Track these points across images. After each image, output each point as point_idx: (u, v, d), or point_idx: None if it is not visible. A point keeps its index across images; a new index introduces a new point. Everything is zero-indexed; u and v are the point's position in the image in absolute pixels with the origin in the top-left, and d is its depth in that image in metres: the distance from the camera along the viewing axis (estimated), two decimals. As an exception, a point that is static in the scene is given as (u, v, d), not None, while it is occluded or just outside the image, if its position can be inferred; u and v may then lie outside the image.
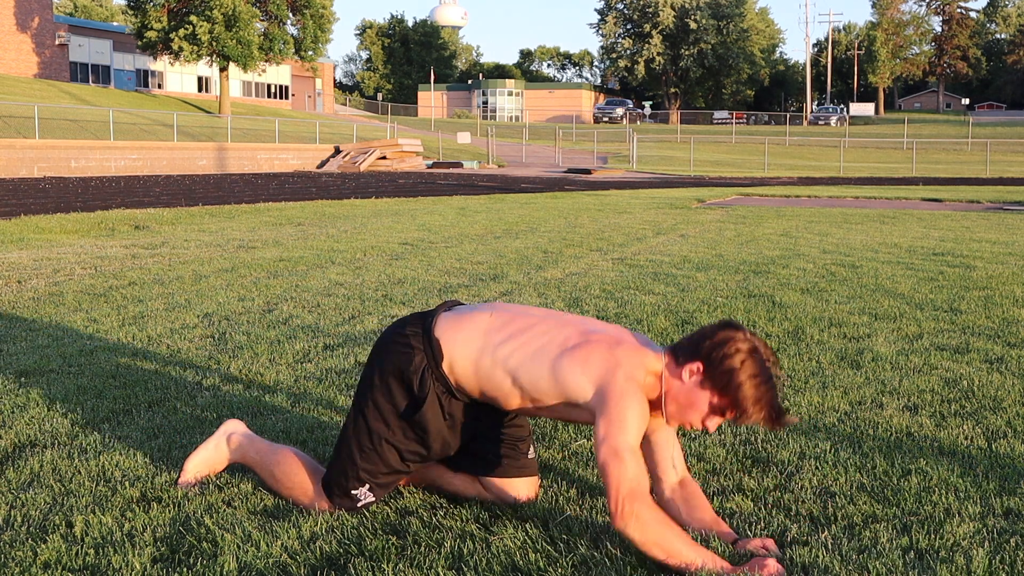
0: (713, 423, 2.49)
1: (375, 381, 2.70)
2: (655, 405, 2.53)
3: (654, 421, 2.61)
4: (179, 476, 2.97)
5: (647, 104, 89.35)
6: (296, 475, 2.81)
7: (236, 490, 2.91)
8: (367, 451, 2.68)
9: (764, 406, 2.41)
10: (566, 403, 2.55)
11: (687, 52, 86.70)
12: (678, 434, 2.97)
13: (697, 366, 2.46)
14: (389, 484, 2.74)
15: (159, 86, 61.54)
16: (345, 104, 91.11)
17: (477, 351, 2.61)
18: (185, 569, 2.37)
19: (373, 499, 2.72)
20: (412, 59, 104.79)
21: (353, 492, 2.71)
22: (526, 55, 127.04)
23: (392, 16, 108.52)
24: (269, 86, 68.97)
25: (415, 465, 2.74)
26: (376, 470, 2.69)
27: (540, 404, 2.60)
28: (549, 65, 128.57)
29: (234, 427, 3.06)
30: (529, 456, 2.84)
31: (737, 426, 2.60)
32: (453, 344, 2.64)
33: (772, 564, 2.32)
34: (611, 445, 2.37)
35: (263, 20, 50.96)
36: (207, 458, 3.00)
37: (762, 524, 2.65)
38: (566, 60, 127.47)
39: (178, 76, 61.88)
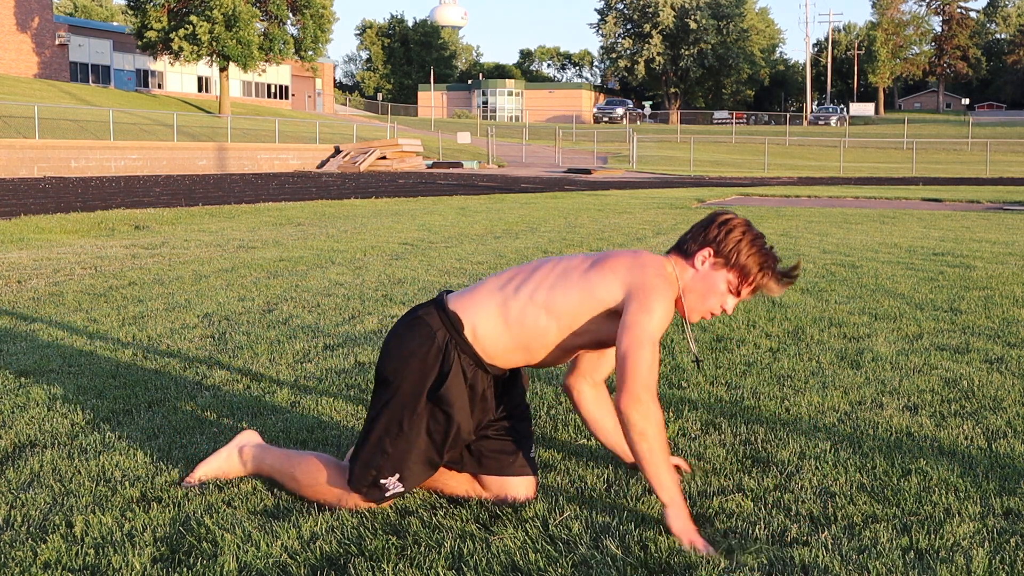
0: (731, 303, 2.70)
1: (397, 368, 2.68)
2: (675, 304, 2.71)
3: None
4: (186, 475, 2.97)
5: (647, 104, 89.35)
6: (318, 473, 2.77)
7: (236, 490, 2.91)
8: (395, 438, 2.65)
9: (770, 267, 2.67)
10: (603, 314, 2.64)
11: (687, 52, 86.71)
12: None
13: (708, 251, 2.68)
14: (419, 475, 2.69)
15: (159, 86, 61.54)
16: (345, 104, 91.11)
17: (499, 304, 2.69)
18: (185, 569, 2.37)
19: (402, 489, 2.69)
20: (412, 59, 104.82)
21: (382, 482, 2.67)
22: (526, 55, 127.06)
23: (392, 16, 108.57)
24: (269, 86, 68.98)
25: (445, 453, 2.70)
26: (406, 458, 2.66)
27: (575, 328, 2.66)
28: (549, 65, 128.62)
29: (247, 438, 3.00)
30: (530, 455, 2.84)
31: (752, 295, 2.72)
32: (471, 309, 2.70)
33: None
34: (635, 334, 2.51)
35: (263, 20, 50.97)
36: (219, 467, 2.97)
37: (762, 524, 2.65)
38: (566, 60, 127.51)
39: (178, 76, 61.89)
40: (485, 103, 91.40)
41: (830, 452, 3.28)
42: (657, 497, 2.59)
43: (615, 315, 2.63)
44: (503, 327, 2.67)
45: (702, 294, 2.68)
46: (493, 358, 2.70)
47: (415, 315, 2.74)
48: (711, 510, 2.76)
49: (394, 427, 2.66)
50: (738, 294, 2.69)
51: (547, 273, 2.71)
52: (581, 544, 2.50)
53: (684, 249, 2.72)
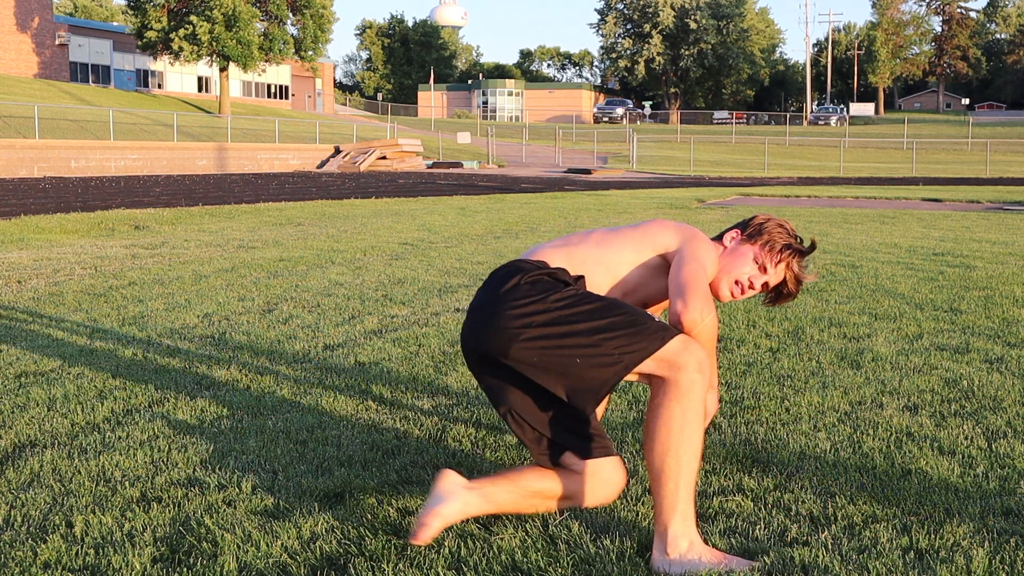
0: (759, 279, 2.79)
1: (531, 299, 2.47)
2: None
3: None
4: (417, 533, 2.42)
5: (647, 104, 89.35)
6: (547, 473, 2.52)
7: (236, 490, 2.91)
8: (591, 349, 2.42)
9: (796, 247, 2.80)
10: (655, 266, 2.69)
11: (687, 52, 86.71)
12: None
13: (735, 231, 2.85)
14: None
15: (159, 86, 61.54)
16: (345, 104, 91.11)
17: (566, 252, 2.72)
18: (185, 569, 2.37)
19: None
20: (412, 59, 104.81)
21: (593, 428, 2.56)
22: (526, 55, 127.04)
23: (392, 16, 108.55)
24: (269, 86, 68.97)
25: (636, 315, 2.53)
26: (612, 353, 2.45)
27: (625, 276, 2.69)
28: (549, 65, 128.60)
29: (453, 479, 2.49)
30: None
31: (776, 284, 2.82)
32: (548, 257, 2.71)
33: None
34: (691, 262, 2.59)
35: (263, 20, 50.97)
36: (461, 511, 2.45)
37: (762, 524, 2.65)
38: (566, 60, 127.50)
39: (178, 76, 61.88)
40: (485, 103, 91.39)
41: (830, 452, 3.28)
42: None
43: (663, 272, 2.69)
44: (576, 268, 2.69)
45: (730, 268, 2.78)
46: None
47: (510, 268, 2.59)
48: (711, 510, 2.76)
49: (583, 339, 2.43)
50: (764, 270, 2.78)
51: (604, 232, 2.82)
52: (581, 544, 2.50)
53: (716, 237, 2.89)
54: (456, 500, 2.42)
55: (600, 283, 2.68)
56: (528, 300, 2.46)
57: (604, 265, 2.69)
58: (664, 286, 2.70)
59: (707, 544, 2.47)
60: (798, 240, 2.85)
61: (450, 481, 2.46)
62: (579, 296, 2.49)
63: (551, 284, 2.53)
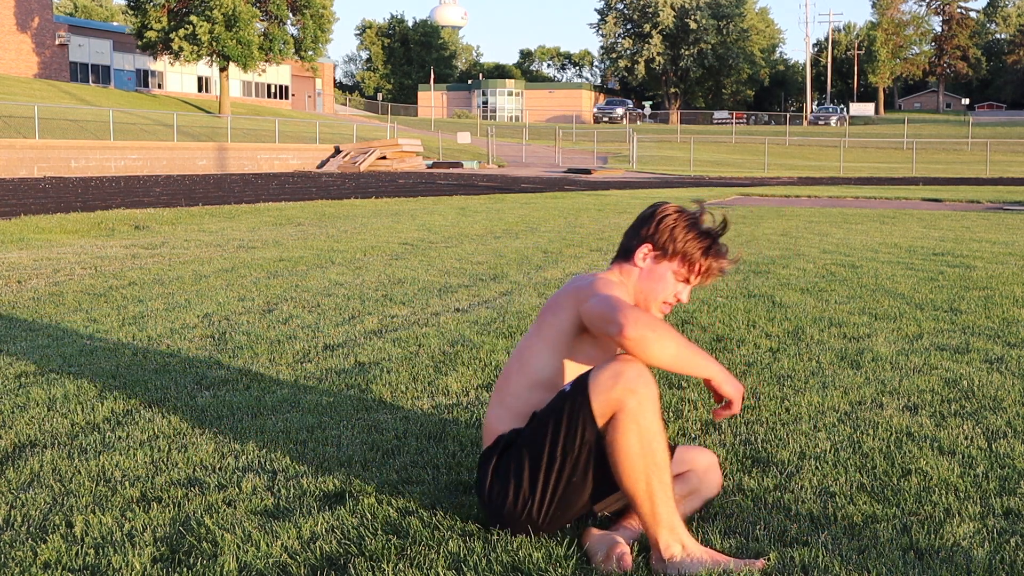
0: (684, 292, 2.68)
1: (513, 488, 2.55)
2: None
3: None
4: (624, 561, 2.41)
5: (647, 104, 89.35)
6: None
7: (236, 490, 2.91)
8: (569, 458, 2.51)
9: (714, 248, 2.64)
10: (577, 337, 2.58)
11: (687, 52, 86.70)
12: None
13: (647, 247, 2.67)
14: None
15: (159, 86, 61.54)
16: (345, 104, 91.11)
17: (505, 408, 2.68)
18: (185, 569, 2.37)
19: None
20: (412, 59, 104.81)
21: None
22: (526, 55, 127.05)
23: (392, 16, 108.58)
24: (269, 86, 68.98)
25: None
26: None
27: (567, 367, 2.60)
28: (549, 65, 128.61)
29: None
30: None
31: (704, 283, 2.69)
32: (497, 424, 2.69)
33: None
34: (596, 297, 2.49)
35: (263, 20, 50.97)
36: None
37: (762, 524, 2.65)
38: (566, 60, 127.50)
39: (178, 76, 61.88)
40: (485, 103, 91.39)
41: (830, 452, 3.28)
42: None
43: (588, 341, 2.58)
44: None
45: (652, 289, 2.66)
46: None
47: (481, 471, 2.65)
48: (711, 510, 2.76)
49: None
50: (688, 282, 2.67)
51: (517, 351, 2.69)
52: (582, 544, 2.49)
53: (624, 252, 2.70)
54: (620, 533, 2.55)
55: (544, 399, 2.59)
56: (512, 491, 2.50)
57: (538, 387, 2.60)
58: (598, 350, 2.60)
59: (705, 545, 2.47)
60: (710, 233, 2.66)
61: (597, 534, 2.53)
62: (536, 454, 2.48)
63: (516, 461, 2.52)
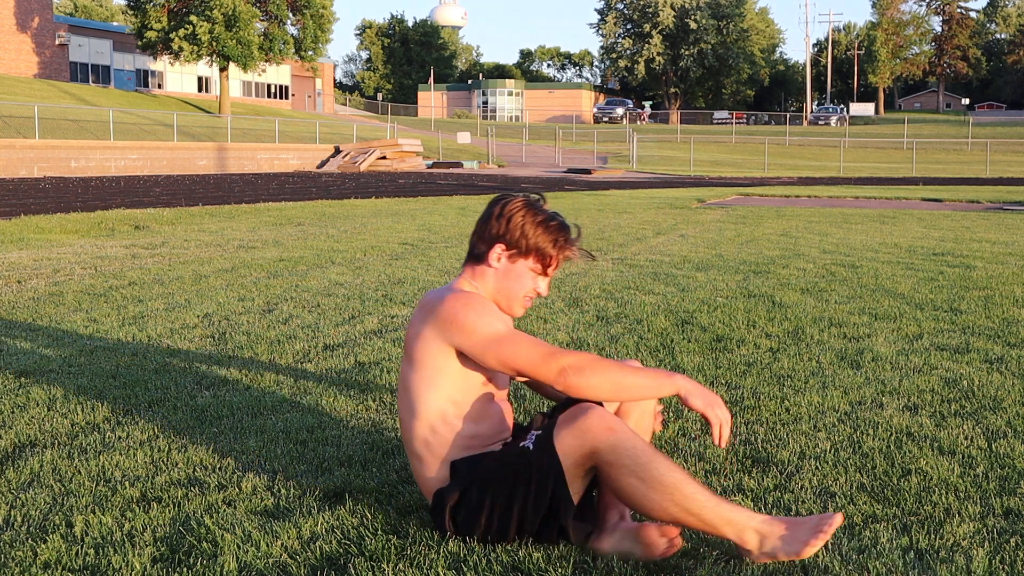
0: (543, 284, 2.65)
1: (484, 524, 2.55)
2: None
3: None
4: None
5: (647, 104, 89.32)
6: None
7: (236, 490, 2.91)
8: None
9: (564, 239, 2.61)
10: (459, 362, 2.54)
11: (687, 52, 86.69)
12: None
13: (499, 247, 2.61)
14: None
15: (159, 86, 61.54)
16: (345, 104, 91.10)
17: (420, 443, 2.64)
18: (185, 569, 2.37)
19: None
20: (412, 59, 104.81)
21: None
22: (526, 55, 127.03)
23: (392, 16, 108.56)
24: (269, 86, 68.97)
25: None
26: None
27: (460, 392, 2.57)
28: (549, 65, 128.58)
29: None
30: None
31: (556, 269, 2.67)
32: (428, 476, 2.66)
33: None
34: (489, 347, 2.46)
35: (263, 20, 50.95)
36: None
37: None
38: (566, 60, 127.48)
39: (178, 76, 61.87)
40: (485, 103, 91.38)
41: (830, 452, 3.28)
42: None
43: (465, 361, 2.55)
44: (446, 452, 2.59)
45: (511, 288, 2.63)
46: (478, 441, 2.61)
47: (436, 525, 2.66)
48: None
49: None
50: (545, 274, 2.64)
51: (401, 400, 2.66)
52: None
53: (476, 254, 2.65)
54: None
55: (451, 438, 2.56)
56: (480, 525, 2.49)
57: (442, 425, 2.56)
58: (484, 371, 2.57)
59: (705, 546, 2.47)
60: (558, 224, 2.62)
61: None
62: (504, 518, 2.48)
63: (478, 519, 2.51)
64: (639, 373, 2.44)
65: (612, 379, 2.41)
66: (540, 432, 2.48)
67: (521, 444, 2.50)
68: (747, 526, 2.36)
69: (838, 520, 2.36)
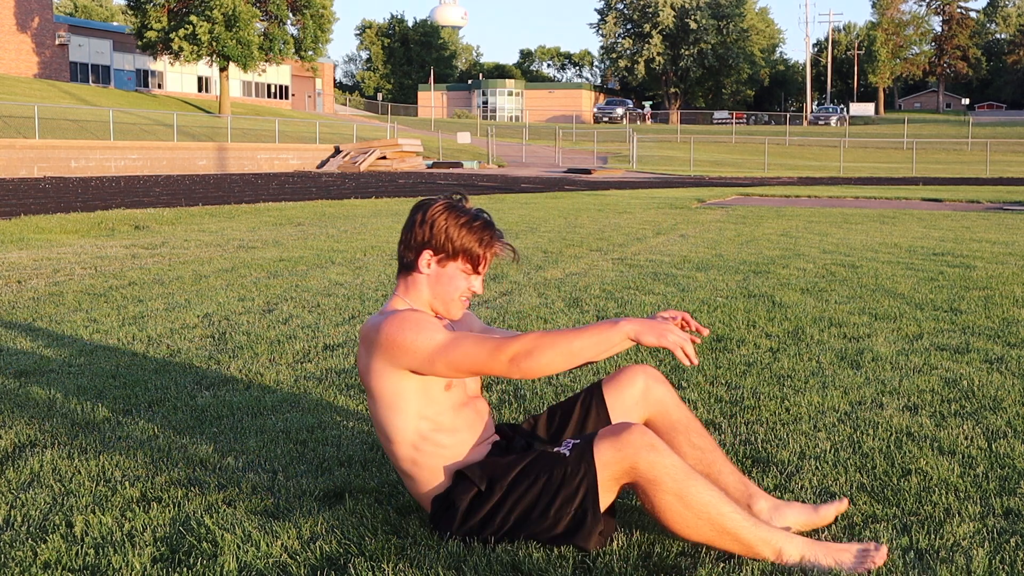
0: (476, 283, 2.65)
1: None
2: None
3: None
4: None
5: (647, 104, 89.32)
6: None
7: (236, 490, 2.91)
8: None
9: (489, 236, 2.61)
10: (411, 379, 2.56)
11: (687, 52, 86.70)
12: None
13: (427, 253, 2.61)
14: None
15: (159, 86, 61.54)
16: (345, 104, 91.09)
17: (407, 460, 2.68)
18: (185, 569, 2.37)
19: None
20: (412, 59, 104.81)
21: None
22: (526, 55, 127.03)
23: (392, 16, 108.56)
24: (269, 86, 68.97)
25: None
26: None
27: (429, 408, 2.59)
28: (549, 65, 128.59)
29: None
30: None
31: (487, 267, 2.67)
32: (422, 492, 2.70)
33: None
34: (434, 359, 2.47)
35: (263, 20, 50.96)
36: None
37: (762, 524, 2.64)
38: (566, 60, 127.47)
39: (178, 76, 61.87)
40: (485, 103, 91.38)
41: (830, 452, 3.28)
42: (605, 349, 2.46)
43: (413, 375, 2.56)
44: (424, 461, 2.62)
45: (445, 292, 2.63)
46: (461, 453, 2.63)
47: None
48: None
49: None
50: (477, 273, 2.65)
51: (378, 430, 2.67)
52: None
53: (406, 264, 2.66)
54: None
55: (436, 451, 2.58)
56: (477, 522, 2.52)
57: (422, 442, 2.57)
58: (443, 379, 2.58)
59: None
60: (481, 222, 2.62)
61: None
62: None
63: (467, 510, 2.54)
64: (585, 334, 2.42)
65: (562, 350, 2.41)
66: (577, 441, 2.50)
67: (556, 449, 2.52)
68: (786, 547, 2.38)
69: (882, 556, 2.38)
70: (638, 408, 2.78)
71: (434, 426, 2.58)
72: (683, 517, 2.36)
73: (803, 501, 2.82)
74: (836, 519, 2.68)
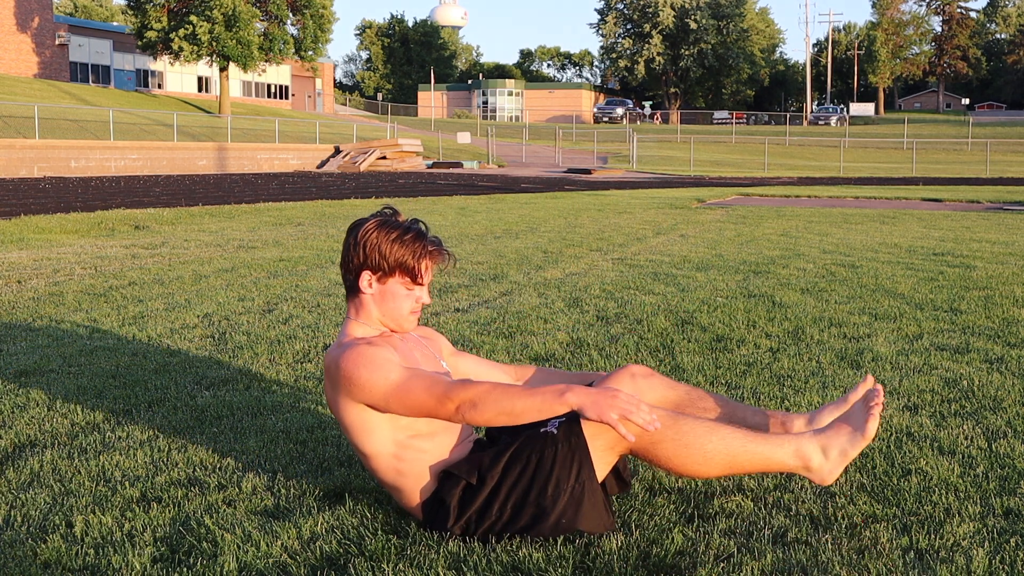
0: (421, 293, 2.70)
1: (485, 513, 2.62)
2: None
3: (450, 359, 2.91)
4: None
5: (647, 104, 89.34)
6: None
7: (236, 490, 2.91)
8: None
9: (421, 248, 2.66)
10: (374, 414, 2.59)
11: (687, 52, 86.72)
12: None
13: (366, 274, 2.66)
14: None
15: (159, 86, 61.54)
16: (345, 104, 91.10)
17: (392, 472, 2.72)
18: (185, 569, 2.37)
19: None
20: (412, 59, 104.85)
21: None
22: (526, 55, 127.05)
23: (392, 16, 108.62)
24: (269, 86, 68.98)
25: None
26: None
27: (397, 436, 2.62)
28: (549, 65, 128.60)
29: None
30: None
31: (427, 276, 2.72)
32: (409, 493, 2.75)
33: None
34: (389, 397, 2.51)
35: (263, 20, 50.97)
36: None
37: (762, 524, 2.64)
38: (566, 60, 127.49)
39: (178, 76, 61.88)
40: (485, 103, 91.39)
41: (830, 452, 3.28)
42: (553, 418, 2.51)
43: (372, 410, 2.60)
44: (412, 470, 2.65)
45: (392, 308, 2.68)
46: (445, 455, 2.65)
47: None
48: (711, 510, 2.76)
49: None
50: (420, 284, 2.69)
51: (357, 452, 2.71)
52: (581, 544, 2.49)
53: (349, 286, 2.71)
54: None
55: (420, 457, 2.61)
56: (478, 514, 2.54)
57: (402, 451, 2.61)
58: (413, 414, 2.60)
59: (705, 547, 2.47)
60: (413, 235, 2.67)
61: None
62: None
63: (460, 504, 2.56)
64: (531, 396, 2.46)
65: (504, 408, 2.45)
66: (563, 419, 2.51)
67: (542, 430, 2.53)
68: (802, 444, 2.49)
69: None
70: None
71: (412, 433, 2.61)
72: (691, 458, 2.41)
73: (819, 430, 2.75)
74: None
